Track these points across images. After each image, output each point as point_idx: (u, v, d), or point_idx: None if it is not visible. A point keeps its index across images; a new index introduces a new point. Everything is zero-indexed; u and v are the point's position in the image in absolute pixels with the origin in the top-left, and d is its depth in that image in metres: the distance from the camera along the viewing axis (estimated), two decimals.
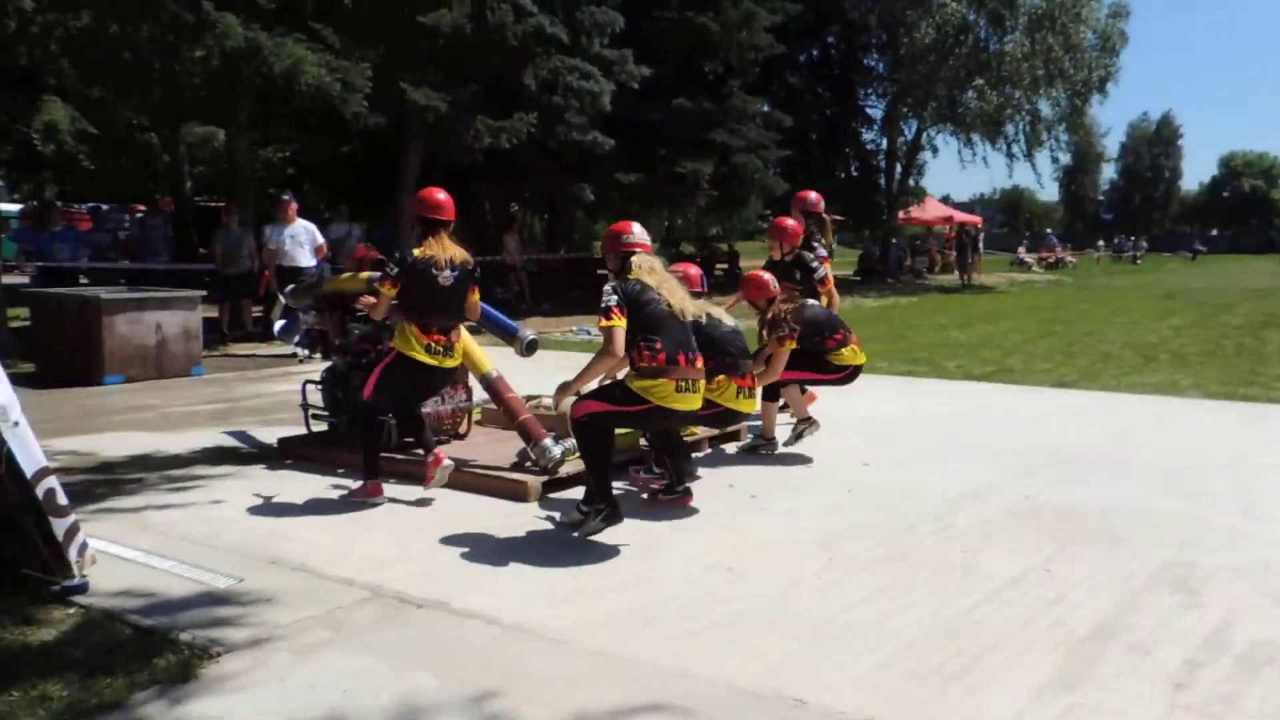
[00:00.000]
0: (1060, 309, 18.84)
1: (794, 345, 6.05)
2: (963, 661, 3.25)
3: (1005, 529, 4.74)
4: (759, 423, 6.46)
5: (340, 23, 13.27)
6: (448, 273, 5.14)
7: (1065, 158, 40.14)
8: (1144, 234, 59.58)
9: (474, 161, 15.53)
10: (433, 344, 5.12)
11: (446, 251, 5.17)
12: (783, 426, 6.58)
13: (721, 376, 5.21)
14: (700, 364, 4.70)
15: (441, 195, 5.35)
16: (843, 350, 6.31)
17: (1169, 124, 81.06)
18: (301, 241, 11.80)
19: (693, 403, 4.63)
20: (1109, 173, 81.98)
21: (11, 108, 15.98)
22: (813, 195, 7.12)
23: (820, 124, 25.72)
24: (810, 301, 6.50)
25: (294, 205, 12.08)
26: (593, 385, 4.75)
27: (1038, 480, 5.66)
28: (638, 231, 4.96)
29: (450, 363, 5.24)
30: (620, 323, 4.48)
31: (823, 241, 7.11)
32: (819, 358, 6.24)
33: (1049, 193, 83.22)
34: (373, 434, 5.32)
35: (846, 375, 6.39)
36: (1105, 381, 9.41)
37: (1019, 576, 4.06)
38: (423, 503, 5.21)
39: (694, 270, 5.63)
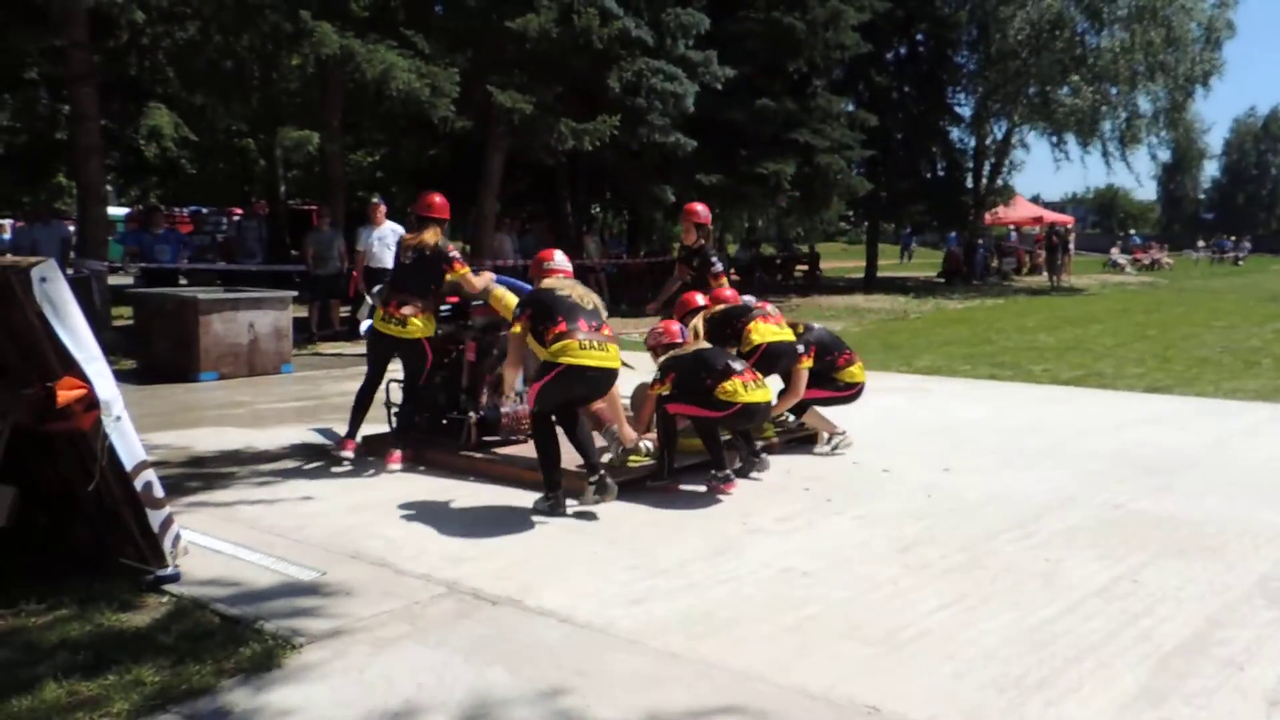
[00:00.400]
0: (1155, 312, 18.20)
1: (810, 363, 6.28)
2: (1043, 673, 3.17)
3: (1091, 538, 4.60)
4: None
5: (430, 29, 13.55)
6: (409, 253, 6.01)
7: (1165, 155, 38.75)
8: (1247, 234, 57.09)
9: (557, 163, 15.68)
10: (386, 314, 5.91)
11: (417, 239, 6.02)
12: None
13: (724, 383, 5.31)
14: (606, 332, 5.09)
15: (438, 198, 6.21)
16: (851, 368, 6.50)
17: (1278, 119, 77.52)
18: (389, 243, 12.06)
19: (602, 359, 4.99)
20: (1211, 170, 78.92)
21: (121, 115, 16.73)
22: (700, 208, 7.39)
23: (906, 123, 25.26)
24: (816, 325, 6.71)
25: (383, 208, 12.39)
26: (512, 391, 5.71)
27: (1127, 488, 5.49)
28: (559, 259, 5.52)
29: (401, 332, 5.90)
30: (518, 330, 5.13)
31: (716, 253, 7.38)
32: (828, 376, 6.45)
33: (1146, 192, 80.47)
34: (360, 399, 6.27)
35: (856, 392, 6.55)
36: (1202, 387, 9.07)
37: (1105, 587, 3.94)
38: (500, 501, 5.28)
39: (675, 327, 6.04)
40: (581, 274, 18.14)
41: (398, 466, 5.91)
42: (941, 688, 3.08)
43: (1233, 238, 51.67)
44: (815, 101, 18.97)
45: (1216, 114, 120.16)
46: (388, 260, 11.93)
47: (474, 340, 6.30)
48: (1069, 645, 3.38)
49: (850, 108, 21.28)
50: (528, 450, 6.03)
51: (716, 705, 2.97)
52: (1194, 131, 57.75)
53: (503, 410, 6.16)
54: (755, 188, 18.03)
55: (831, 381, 6.45)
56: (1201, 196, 79.98)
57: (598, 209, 26.68)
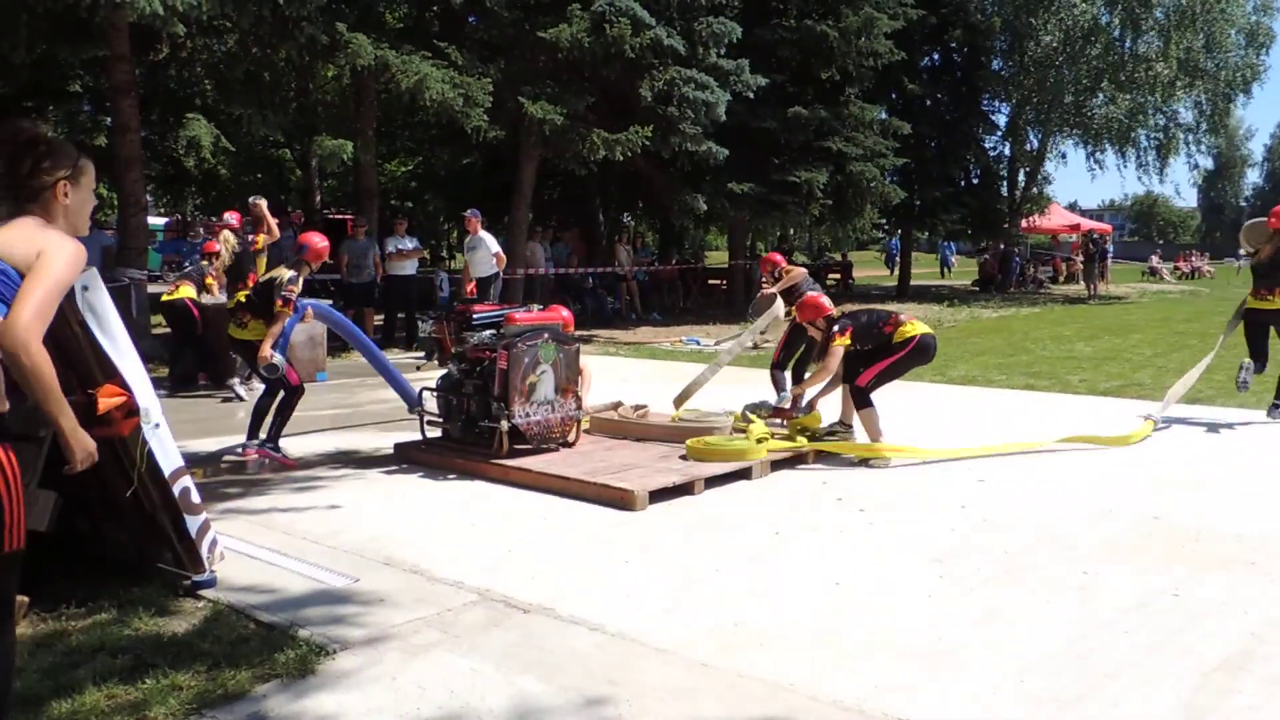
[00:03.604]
0: (1195, 321, 17.91)
1: (847, 342, 6.51)
2: (1080, 688, 3.12)
3: (1130, 550, 4.53)
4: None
5: (463, 40, 13.67)
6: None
7: (1206, 162, 38.11)
8: None
9: (588, 172, 15.74)
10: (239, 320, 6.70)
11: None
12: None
13: (901, 326, 6.54)
14: None
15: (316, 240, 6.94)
16: (901, 328, 6.57)
17: None
18: (479, 253, 12.33)
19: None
20: (1253, 177, 77.87)
21: (160, 127, 17.03)
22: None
23: (939, 130, 25.09)
24: (865, 309, 7.13)
25: (476, 219, 12.56)
26: None
27: (1166, 500, 5.40)
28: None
29: (238, 333, 6.65)
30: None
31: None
32: (886, 347, 6.57)
33: (1186, 199, 79.45)
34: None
35: (915, 347, 6.52)
36: (1244, 399, 8.90)
37: (1144, 601, 3.88)
38: (531, 509, 5.29)
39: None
40: (613, 282, 18.31)
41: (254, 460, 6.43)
42: (977, 701, 3.04)
43: None
44: (848, 109, 18.88)
45: (1259, 121, 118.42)
46: (479, 269, 12.16)
47: (505, 349, 6.33)
48: (1108, 659, 3.33)
49: (883, 115, 21.17)
50: (558, 459, 6.07)
51: (749, 716, 2.96)
52: (1236, 138, 56.56)
53: (533, 419, 6.16)
54: (788, 196, 17.97)
55: (889, 349, 6.53)
56: (1243, 204, 78.82)
57: (629, 217, 26.72)
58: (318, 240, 6.86)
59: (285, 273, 6.56)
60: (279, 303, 6.42)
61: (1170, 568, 4.27)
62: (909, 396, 8.87)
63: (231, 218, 10.38)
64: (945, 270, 39.31)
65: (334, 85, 17.57)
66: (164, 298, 10.15)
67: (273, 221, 9.57)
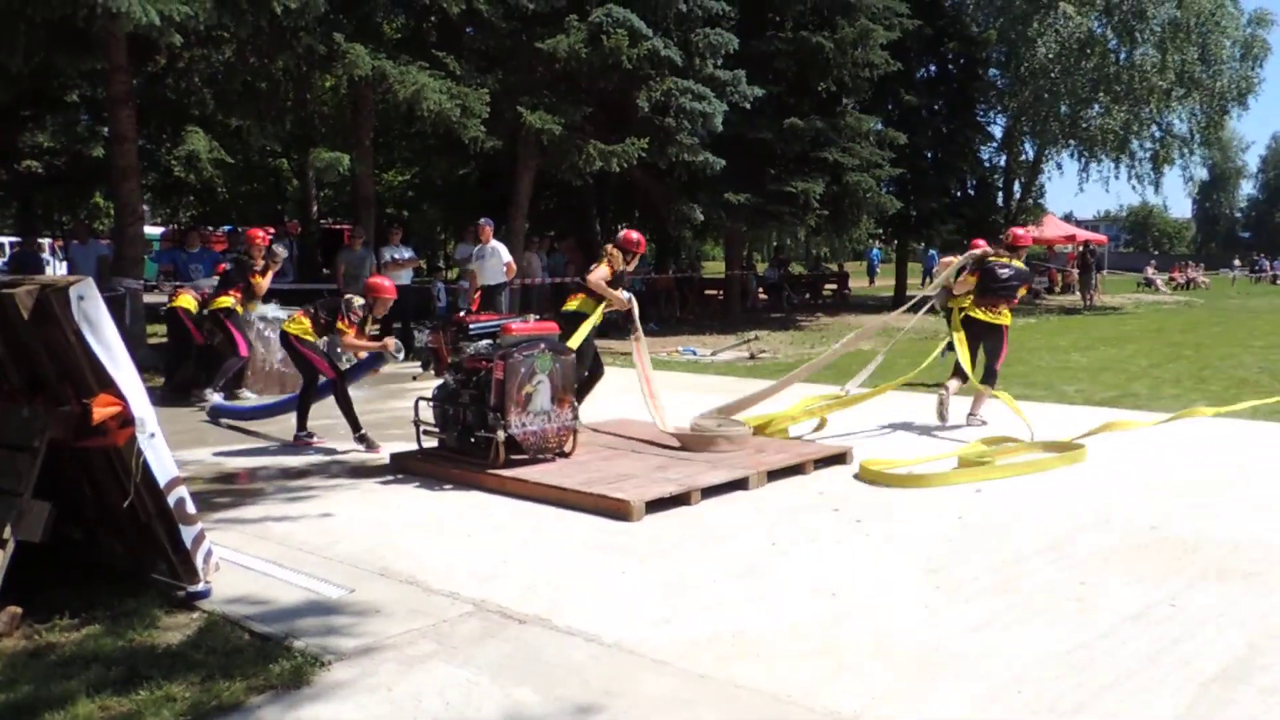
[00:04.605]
0: (1190, 331, 17.95)
1: (972, 281, 7.90)
2: (1078, 698, 3.11)
3: (1127, 560, 4.53)
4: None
5: (461, 50, 13.70)
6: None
7: (1201, 173, 38.28)
8: None
9: (585, 182, 15.77)
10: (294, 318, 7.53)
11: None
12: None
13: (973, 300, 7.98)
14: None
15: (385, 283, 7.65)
16: (986, 309, 8.00)
17: None
18: (489, 261, 12.36)
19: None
20: (1248, 189, 78.26)
21: (157, 136, 17.03)
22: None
23: (935, 141, 25.15)
24: (1015, 267, 8.08)
25: (489, 228, 12.56)
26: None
27: (1163, 510, 5.40)
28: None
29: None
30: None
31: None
32: (977, 305, 8.05)
33: (1181, 210, 79.79)
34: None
35: (972, 322, 8.13)
36: (1237, 409, 8.90)
37: (1141, 611, 3.87)
38: (527, 519, 5.28)
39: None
40: None
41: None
42: (973, 711, 3.03)
43: (1261, 255, 50.96)
44: (844, 120, 18.92)
45: (1255, 133, 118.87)
46: (489, 277, 12.18)
47: (502, 359, 6.32)
48: (1105, 670, 3.32)
49: (879, 126, 21.23)
50: (555, 470, 6.06)
51: None
52: (1231, 150, 56.78)
53: (529, 429, 6.14)
54: (784, 206, 18.00)
55: (980, 304, 7.92)
56: (1238, 215, 79.17)
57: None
58: (379, 282, 7.57)
59: (358, 300, 7.37)
60: (343, 320, 7.24)
61: (1167, 577, 4.27)
62: (909, 407, 8.89)
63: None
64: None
65: (331, 95, 17.62)
66: (171, 304, 10.33)
67: (263, 287, 9.91)
